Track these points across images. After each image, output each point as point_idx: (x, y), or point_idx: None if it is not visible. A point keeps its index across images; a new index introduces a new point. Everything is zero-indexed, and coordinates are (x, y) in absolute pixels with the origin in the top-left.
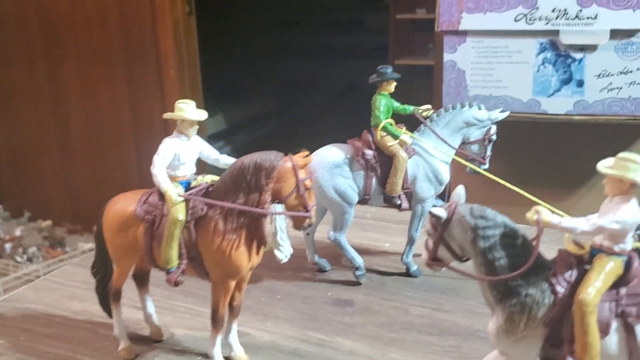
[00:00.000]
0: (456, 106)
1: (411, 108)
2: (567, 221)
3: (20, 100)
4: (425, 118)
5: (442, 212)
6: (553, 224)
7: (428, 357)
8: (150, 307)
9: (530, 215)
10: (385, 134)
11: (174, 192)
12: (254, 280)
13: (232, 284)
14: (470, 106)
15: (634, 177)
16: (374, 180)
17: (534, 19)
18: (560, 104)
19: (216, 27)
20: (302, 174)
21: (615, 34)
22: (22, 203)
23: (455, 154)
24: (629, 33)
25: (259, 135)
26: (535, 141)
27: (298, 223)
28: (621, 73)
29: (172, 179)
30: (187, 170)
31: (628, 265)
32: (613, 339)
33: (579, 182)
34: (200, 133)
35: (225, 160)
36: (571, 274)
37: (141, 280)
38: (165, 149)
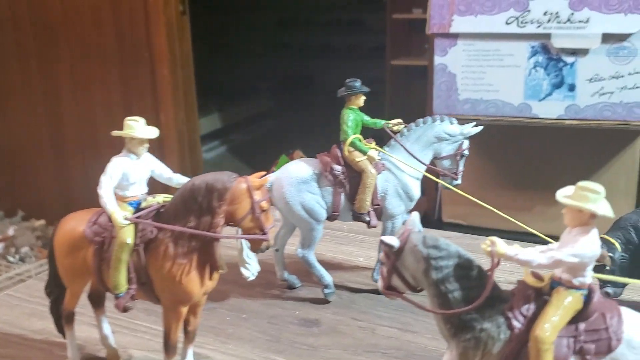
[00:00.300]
0: (427, 120)
1: (381, 122)
2: (524, 253)
3: (14, 100)
4: (396, 132)
5: (394, 241)
6: (508, 256)
7: None
8: (106, 329)
9: (485, 246)
10: (353, 149)
11: (120, 215)
12: (219, 298)
13: (184, 309)
14: (442, 120)
15: (594, 207)
16: (342, 196)
17: (526, 22)
18: (551, 108)
19: (213, 25)
20: (257, 195)
21: (607, 38)
22: (16, 202)
23: (427, 170)
24: (621, 37)
25: (255, 135)
26: (526, 145)
27: (255, 246)
28: (613, 77)
29: (122, 199)
30: (138, 190)
31: (588, 300)
32: None
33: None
34: (193, 132)
35: (179, 180)
36: (529, 308)
37: (96, 301)
38: (112, 168)
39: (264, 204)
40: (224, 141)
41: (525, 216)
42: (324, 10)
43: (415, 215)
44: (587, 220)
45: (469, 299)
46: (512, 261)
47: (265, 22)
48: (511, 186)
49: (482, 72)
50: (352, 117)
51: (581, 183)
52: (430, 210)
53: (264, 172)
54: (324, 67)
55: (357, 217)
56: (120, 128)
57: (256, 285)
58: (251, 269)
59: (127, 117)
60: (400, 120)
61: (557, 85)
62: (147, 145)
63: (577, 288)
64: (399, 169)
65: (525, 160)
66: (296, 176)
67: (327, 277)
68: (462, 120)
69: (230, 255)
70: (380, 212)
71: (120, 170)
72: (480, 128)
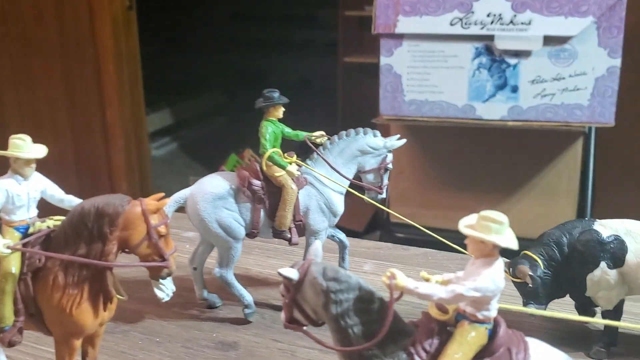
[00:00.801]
0: (350, 133)
1: (303, 134)
2: (424, 287)
3: None
4: (319, 145)
5: (292, 273)
6: (408, 289)
7: None
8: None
9: (385, 279)
10: (271, 163)
11: (1, 244)
12: (133, 320)
13: (77, 342)
14: (365, 133)
15: (496, 239)
16: (262, 212)
17: (470, 24)
18: (495, 110)
19: (164, 20)
20: (154, 220)
21: (548, 40)
22: None
23: (351, 185)
24: (562, 40)
25: (208, 131)
26: (472, 146)
27: (154, 274)
28: (554, 79)
29: (8, 224)
30: (25, 214)
31: (493, 334)
32: None
33: (514, 187)
34: (140, 129)
35: (71, 202)
36: (432, 343)
37: None
38: None
39: (162, 229)
40: (174, 138)
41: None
42: (278, 5)
43: (318, 244)
44: (491, 251)
45: (369, 334)
46: (412, 294)
47: (218, 16)
48: (457, 186)
49: (427, 73)
50: (270, 130)
51: (483, 212)
52: (379, 210)
53: (162, 194)
54: (278, 62)
55: (278, 234)
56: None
57: (174, 305)
58: (165, 289)
59: (13, 135)
60: (322, 133)
61: (501, 87)
62: (34, 165)
63: (482, 322)
64: (322, 183)
65: (470, 161)
66: (211, 192)
67: (248, 296)
68: (408, 122)
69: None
70: (303, 228)
71: (4, 193)
72: (404, 141)
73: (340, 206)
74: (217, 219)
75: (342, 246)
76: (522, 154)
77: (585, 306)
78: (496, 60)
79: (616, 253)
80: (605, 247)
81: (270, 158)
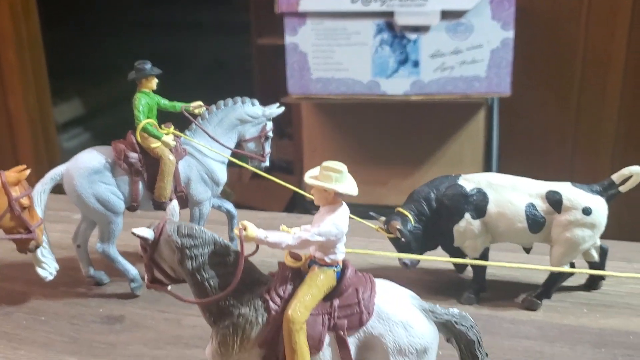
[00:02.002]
0: (228, 103)
1: (180, 105)
2: (273, 236)
3: None
4: (197, 116)
5: (148, 233)
6: (259, 239)
7: None
8: None
9: (236, 230)
10: (147, 135)
11: None
12: (17, 302)
13: None
14: (243, 102)
15: (336, 187)
16: (140, 185)
17: (370, 0)
18: (398, 85)
19: (67, 4)
20: (16, 192)
21: (445, 15)
22: None
23: (233, 154)
24: (458, 14)
25: (121, 117)
26: (379, 121)
27: (21, 246)
28: (452, 53)
29: None
30: None
31: (341, 276)
32: (326, 354)
33: (422, 159)
34: (47, 119)
35: None
36: (285, 289)
37: None
38: None
39: (25, 201)
40: (87, 127)
41: (382, 189)
42: None
43: (175, 204)
44: (333, 199)
45: (226, 286)
46: (263, 244)
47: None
48: (369, 161)
49: (331, 51)
50: (144, 102)
51: (325, 163)
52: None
53: (24, 166)
54: (191, 44)
55: (158, 205)
56: None
57: (60, 285)
58: (48, 268)
59: None
60: (200, 103)
61: (403, 62)
62: None
63: (330, 265)
64: (202, 153)
65: (379, 135)
66: (86, 166)
67: (132, 270)
68: (316, 100)
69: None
70: (186, 199)
71: None
72: (282, 109)
73: (222, 175)
74: (95, 193)
75: (230, 216)
76: (428, 127)
77: (457, 257)
78: (397, 36)
79: (479, 204)
80: (469, 200)
81: (144, 129)
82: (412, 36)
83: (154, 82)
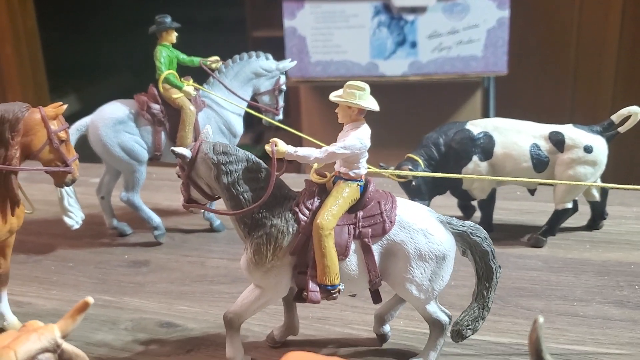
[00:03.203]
0: (243, 57)
1: (198, 59)
2: (302, 150)
3: None
4: (214, 70)
5: (186, 152)
6: (289, 154)
7: (214, 305)
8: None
9: (267, 146)
10: (169, 86)
11: None
12: (45, 251)
13: None
14: (258, 57)
15: (359, 102)
16: (163, 135)
17: None
18: (396, 66)
19: (66, 3)
20: (54, 125)
21: None
22: None
23: (248, 106)
24: None
25: None
26: (378, 103)
27: (58, 179)
28: (449, 33)
29: None
30: None
31: (364, 190)
32: (352, 260)
33: (420, 140)
34: None
35: None
36: (313, 202)
37: None
38: None
39: (62, 134)
40: None
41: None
42: None
43: (209, 128)
44: (356, 116)
45: (259, 199)
46: (292, 158)
47: None
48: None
49: (330, 33)
50: (165, 54)
51: (349, 82)
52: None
53: (60, 103)
54: (187, 42)
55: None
56: None
57: (85, 236)
58: (74, 217)
59: None
60: (217, 58)
61: (400, 43)
62: None
63: (354, 179)
64: (220, 105)
65: (379, 116)
66: (111, 117)
67: (156, 218)
68: (316, 83)
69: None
70: None
71: None
72: (294, 63)
73: (239, 127)
74: (119, 142)
75: None
76: (426, 107)
77: (465, 201)
78: (394, 18)
79: (485, 147)
80: (476, 143)
81: (166, 80)
82: (409, 17)
83: (173, 36)
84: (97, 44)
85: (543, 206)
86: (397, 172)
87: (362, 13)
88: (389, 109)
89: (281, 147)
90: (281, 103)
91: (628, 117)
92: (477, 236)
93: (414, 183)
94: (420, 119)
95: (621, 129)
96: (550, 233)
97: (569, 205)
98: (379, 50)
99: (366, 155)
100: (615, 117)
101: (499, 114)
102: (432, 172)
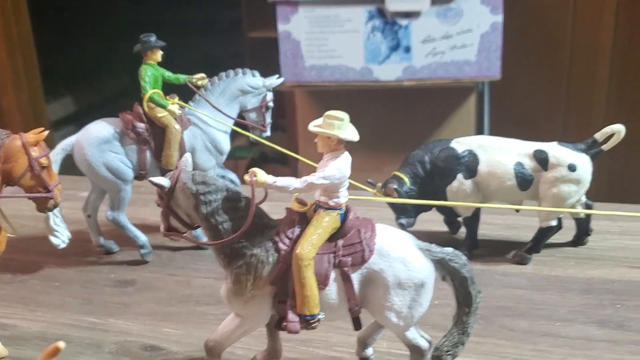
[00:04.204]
0: (229, 74)
1: (184, 77)
2: (282, 180)
3: None
4: (200, 87)
5: (164, 181)
6: (268, 184)
7: (198, 327)
8: None
9: (247, 177)
10: (154, 105)
11: None
12: (30, 270)
13: None
14: (244, 73)
15: (338, 133)
16: (148, 153)
17: None
18: (390, 71)
19: (59, 5)
20: (35, 152)
21: (435, 0)
22: None
23: (235, 123)
24: None
25: (111, 115)
26: (373, 107)
27: (40, 205)
28: (443, 38)
29: None
30: None
31: (344, 218)
32: (332, 289)
33: (416, 144)
34: (40, 118)
35: None
36: (294, 231)
37: None
38: None
39: (44, 160)
40: (78, 125)
41: (377, 175)
42: None
43: (188, 156)
44: (336, 145)
45: (238, 229)
46: (272, 188)
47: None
48: (362, 147)
49: (324, 38)
50: (149, 73)
51: (328, 112)
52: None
53: (42, 128)
54: (183, 43)
55: (166, 173)
56: None
57: (72, 254)
58: (60, 236)
59: None
60: (203, 75)
61: (394, 48)
62: None
63: (334, 208)
64: (206, 123)
65: (373, 121)
66: (96, 136)
67: (142, 236)
68: (310, 87)
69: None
70: (192, 167)
71: None
72: (281, 80)
73: (226, 144)
74: (105, 162)
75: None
76: (420, 112)
77: (451, 217)
78: (388, 23)
79: (470, 165)
80: (461, 161)
81: (150, 99)
82: (403, 22)
83: (158, 54)
84: (92, 47)
85: (528, 220)
86: (387, 199)
87: (356, 18)
88: (383, 113)
89: (260, 177)
90: (268, 120)
91: (612, 135)
92: (456, 262)
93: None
94: (415, 123)
95: (605, 147)
96: (534, 250)
97: (554, 223)
98: (373, 54)
99: (346, 184)
100: (599, 135)
101: (494, 118)
102: (419, 189)
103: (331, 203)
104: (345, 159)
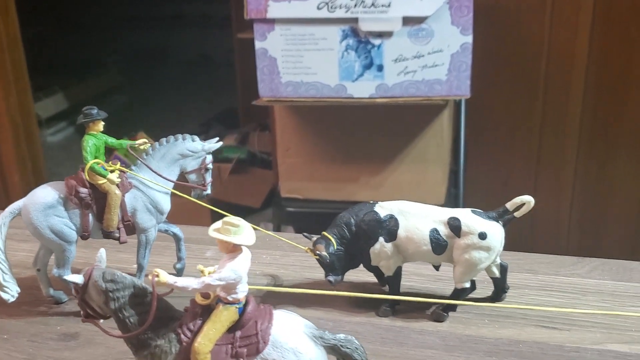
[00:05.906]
0: (170, 139)
1: (127, 143)
2: (181, 281)
3: None
4: (142, 152)
5: (78, 279)
6: (169, 284)
7: None
8: None
9: (150, 277)
10: (94, 173)
11: None
12: None
13: None
14: (184, 139)
15: (234, 239)
16: (90, 217)
17: (335, 7)
18: (363, 88)
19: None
20: None
21: (407, 20)
22: None
23: (176, 185)
24: (419, 20)
25: (107, 111)
26: (348, 122)
27: None
28: (415, 57)
29: None
30: None
31: (243, 311)
32: None
33: (390, 157)
34: (28, 118)
35: None
36: (195, 323)
37: None
38: None
39: None
40: (71, 122)
41: (353, 186)
42: None
43: (102, 252)
44: (233, 247)
45: (144, 322)
46: (173, 288)
47: None
48: (340, 159)
49: (300, 55)
50: (91, 143)
51: (225, 219)
52: (276, 184)
53: None
54: (176, 38)
55: (107, 234)
56: None
57: (24, 304)
58: (9, 291)
59: None
60: (145, 140)
61: (368, 66)
62: None
63: (232, 303)
64: (147, 186)
65: (349, 135)
66: (42, 202)
67: None
68: (287, 103)
69: None
70: (133, 227)
71: None
72: (220, 144)
73: (166, 205)
74: (49, 225)
75: (176, 239)
76: (394, 126)
77: (378, 273)
78: (362, 42)
79: (391, 229)
80: (383, 225)
81: (91, 169)
82: (376, 41)
83: (100, 125)
84: (83, 42)
85: (449, 273)
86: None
87: (330, 36)
88: (357, 128)
89: (162, 277)
90: (208, 179)
91: (522, 204)
92: (348, 347)
93: (327, 260)
94: (389, 137)
95: (517, 214)
96: (451, 309)
97: (467, 285)
98: (347, 72)
99: (244, 280)
100: (510, 205)
101: (470, 132)
102: (345, 249)
103: (229, 298)
104: (242, 259)
